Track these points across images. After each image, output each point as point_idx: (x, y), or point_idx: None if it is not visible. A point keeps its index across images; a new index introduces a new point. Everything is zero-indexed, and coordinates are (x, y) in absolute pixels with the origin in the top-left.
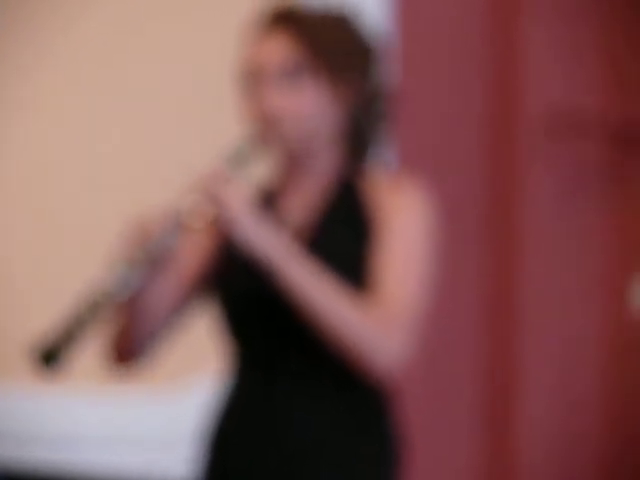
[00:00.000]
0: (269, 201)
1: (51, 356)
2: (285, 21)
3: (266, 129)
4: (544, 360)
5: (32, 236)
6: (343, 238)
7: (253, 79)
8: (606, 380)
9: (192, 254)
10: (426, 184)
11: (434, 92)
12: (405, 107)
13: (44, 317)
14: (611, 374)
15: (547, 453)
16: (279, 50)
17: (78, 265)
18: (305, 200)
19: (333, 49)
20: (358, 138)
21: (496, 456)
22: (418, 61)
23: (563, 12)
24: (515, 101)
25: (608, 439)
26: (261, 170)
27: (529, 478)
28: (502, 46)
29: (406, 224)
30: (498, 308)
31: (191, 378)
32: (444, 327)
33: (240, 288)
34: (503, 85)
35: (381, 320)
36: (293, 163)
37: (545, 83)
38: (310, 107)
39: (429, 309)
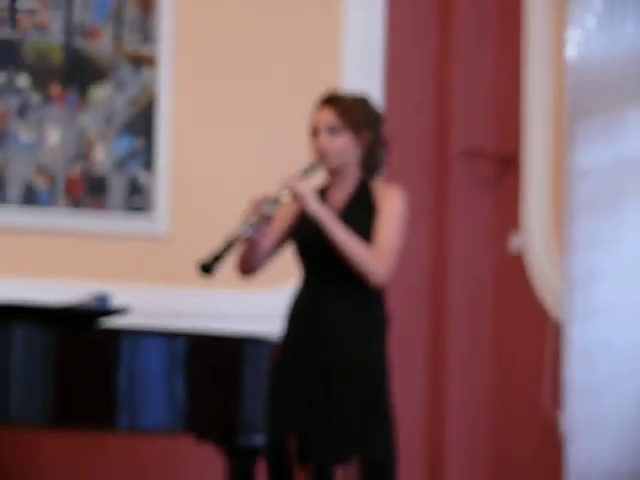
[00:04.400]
0: (322, 193)
1: (208, 268)
2: (330, 101)
3: (320, 158)
4: (463, 280)
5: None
6: (360, 215)
7: (315, 132)
8: (496, 291)
9: (282, 218)
10: (404, 189)
11: (409, 140)
12: (392, 148)
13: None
14: (498, 288)
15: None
16: (327, 118)
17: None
18: (340, 194)
19: (356, 117)
20: (370, 163)
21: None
22: (399, 123)
23: (481, 94)
24: (447, 141)
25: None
26: (319, 178)
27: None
28: (441, 114)
29: (391, 209)
30: (436, 255)
31: (283, 282)
32: (403, 269)
33: (307, 238)
34: (441, 132)
35: (377, 256)
36: (334, 175)
37: (464, 131)
38: (343, 147)
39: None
